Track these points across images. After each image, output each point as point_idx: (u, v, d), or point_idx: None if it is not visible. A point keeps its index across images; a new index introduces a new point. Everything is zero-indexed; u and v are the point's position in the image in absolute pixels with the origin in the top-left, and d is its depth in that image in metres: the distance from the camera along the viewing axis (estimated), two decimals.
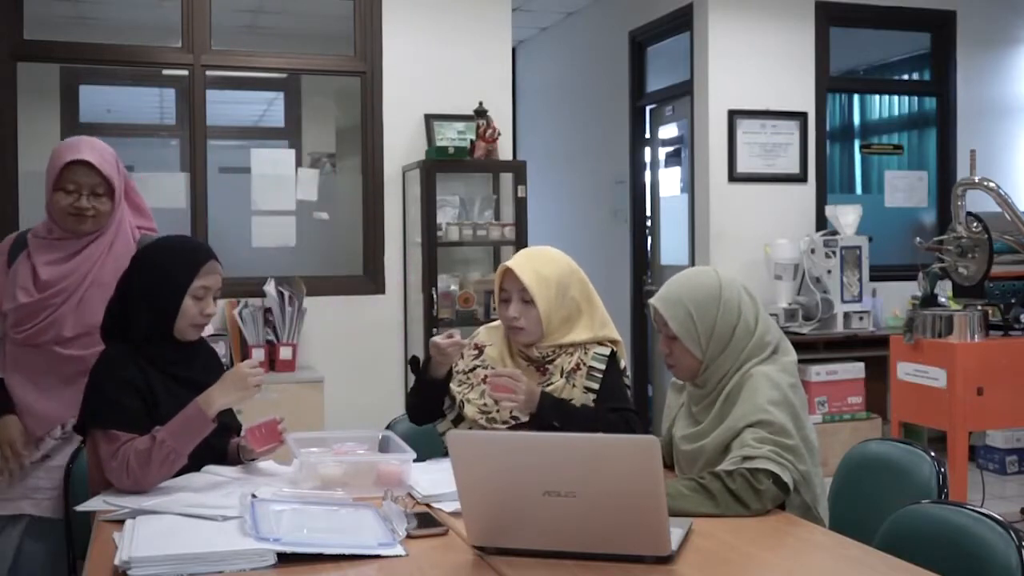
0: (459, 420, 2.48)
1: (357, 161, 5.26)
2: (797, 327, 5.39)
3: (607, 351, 2.46)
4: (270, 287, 4.68)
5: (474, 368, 2.53)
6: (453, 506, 1.97)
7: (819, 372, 5.31)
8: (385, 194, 5.12)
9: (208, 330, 2.46)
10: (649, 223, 6.63)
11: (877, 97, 6.75)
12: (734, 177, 5.70)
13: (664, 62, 6.42)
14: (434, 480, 2.17)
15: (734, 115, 5.68)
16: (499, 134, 5.02)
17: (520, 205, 4.96)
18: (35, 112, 5.26)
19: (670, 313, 2.25)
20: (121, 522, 1.91)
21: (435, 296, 4.78)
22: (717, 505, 1.98)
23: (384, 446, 2.37)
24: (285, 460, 2.38)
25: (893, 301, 5.78)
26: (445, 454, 2.10)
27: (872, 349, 5.39)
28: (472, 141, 4.98)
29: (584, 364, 2.43)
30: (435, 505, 2.06)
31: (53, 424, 2.56)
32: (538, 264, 2.44)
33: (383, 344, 5.08)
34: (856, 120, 6.78)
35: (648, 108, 6.58)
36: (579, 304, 2.47)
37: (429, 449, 2.46)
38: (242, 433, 2.35)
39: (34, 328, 2.53)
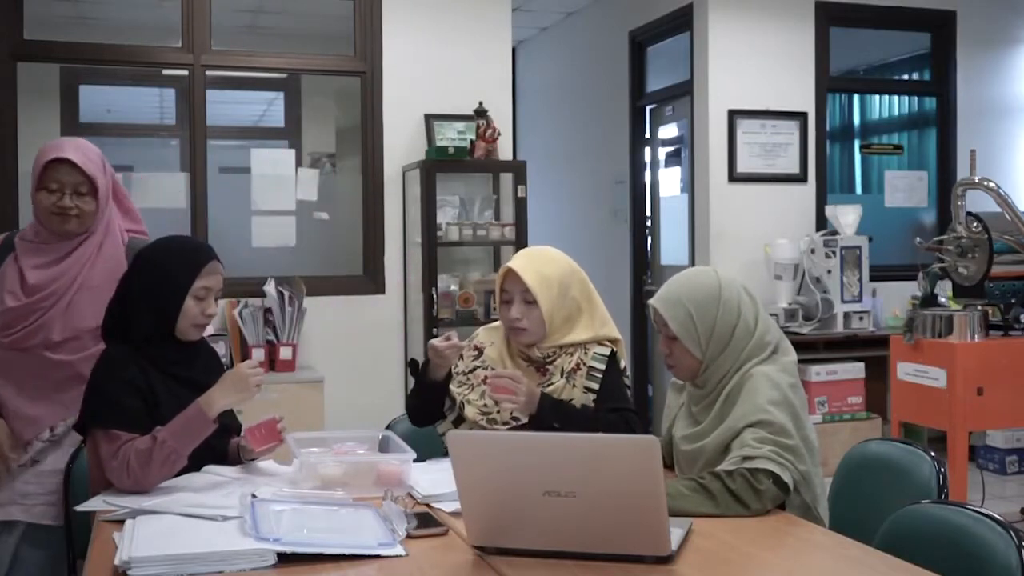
0: (459, 421, 2.48)
1: (357, 161, 5.26)
2: (797, 327, 5.39)
3: (607, 351, 2.46)
4: (270, 287, 4.68)
5: (474, 369, 2.53)
6: (453, 506, 1.97)
7: (819, 372, 5.31)
8: (385, 194, 5.12)
9: (208, 330, 2.45)
10: (649, 223, 6.63)
11: (877, 97, 6.75)
12: (734, 177, 5.70)
13: (664, 62, 6.42)
14: (434, 480, 2.17)
15: (734, 115, 5.68)
16: (499, 134, 5.02)
17: (520, 205, 4.96)
18: (35, 112, 5.26)
19: (670, 313, 2.25)
20: (121, 522, 1.91)
21: (435, 296, 4.78)
22: (717, 505, 1.98)
23: (384, 446, 2.37)
24: (285, 460, 2.38)
25: (893, 301, 5.78)
26: (445, 454, 2.10)
27: (872, 349, 5.39)
28: (472, 141, 4.98)
29: (584, 364, 2.44)
30: (435, 505, 2.06)
31: (41, 427, 2.54)
32: (540, 264, 2.44)
33: (383, 344, 5.08)
34: (856, 120, 6.78)
35: (648, 108, 6.58)
36: (579, 304, 2.47)
37: (429, 449, 2.46)
38: (242, 433, 2.36)
39: (22, 332, 2.50)
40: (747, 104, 5.71)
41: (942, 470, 2.15)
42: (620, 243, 6.70)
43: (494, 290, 2.60)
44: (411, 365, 2.58)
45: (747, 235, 5.66)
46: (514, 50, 6.18)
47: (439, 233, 4.86)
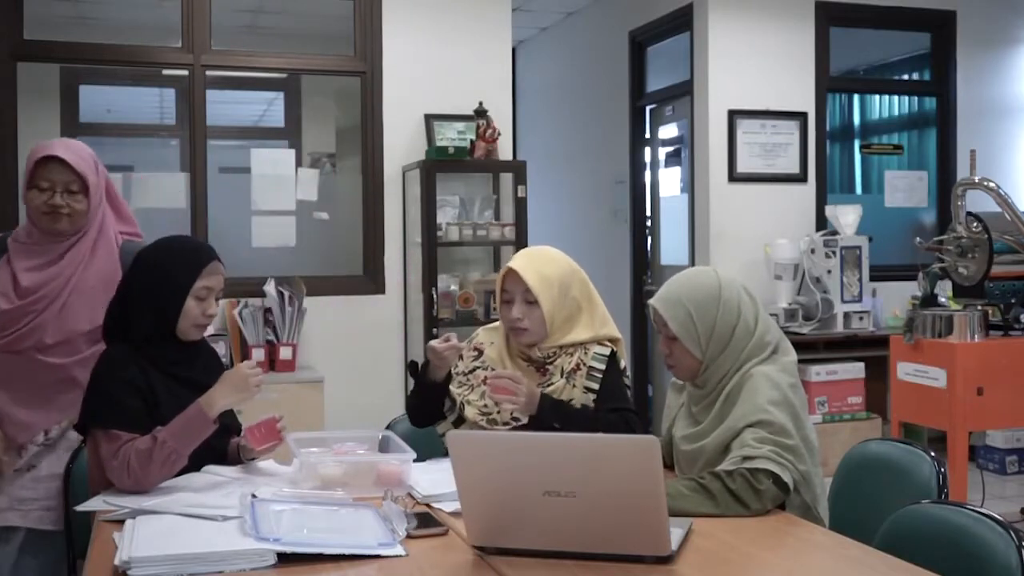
0: (460, 422, 2.48)
1: (357, 161, 5.26)
2: (797, 327, 5.39)
3: (607, 351, 2.46)
4: (270, 287, 4.68)
5: (474, 370, 2.53)
6: (453, 506, 1.97)
7: (819, 372, 5.31)
8: (385, 194, 5.12)
9: (208, 330, 2.45)
10: (649, 223, 6.63)
11: (877, 97, 6.75)
12: (734, 177, 5.70)
13: (664, 62, 6.42)
14: (434, 480, 2.17)
15: (734, 115, 5.68)
16: (499, 134, 5.02)
17: (520, 205, 4.96)
18: (35, 112, 5.26)
19: (670, 313, 2.25)
20: (121, 522, 1.91)
21: (435, 296, 4.78)
22: (717, 505, 1.98)
23: (384, 446, 2.37)
24: (285, 460, 2.38)
25: (893, 301, 5.78)
26: (445, 454, 2.10)
27: (872, 349, 5.39)
28: (472, 141, 4.98)
29: (584, 364, 2.44)
30: (435, 505, 2.06)
31: (34, 431, 2.52)
32: (540, 264, 2.44)
33: (383, 344, 5.08)
34: (856, 120, 6.78)
35: (648, 108, 6.58)
36: (580, 303, 2.47)
37: (429, 449, 2.47)
38: (242, 433, 2.36)
39: (14, 335, 2.48)
40: (747, 104, 5.71)
41: (942, 470, 2.15)
42: (620, 243, 6.70)
43: (494, 290, 2.60)
44: (411, 367, 2.58)
45: (747, 235, 5.66)
46: (514, 50, 6.18)
47: (439, 233, 4.86)
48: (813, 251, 5.49)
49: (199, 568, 1.66)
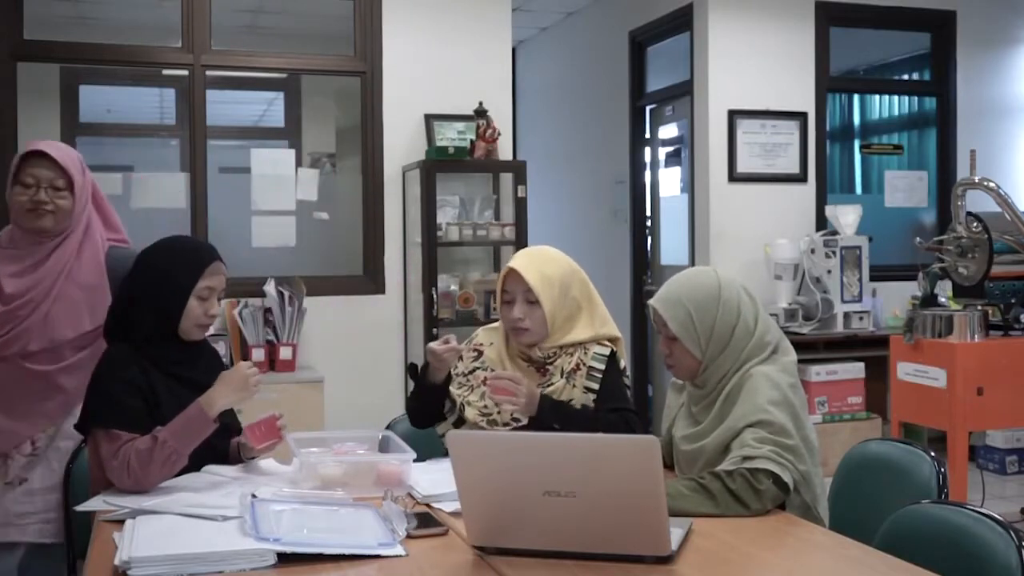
0: (460, 423, 2.48)
1: (357, 161, 5.26)
2: (797, 327, 5.39)
3: (607, 351, 2.46)
4: (270, 287, 4.68)
5: (473, 370, 2.53)
6: (453, 506, 1.97)
7: (819, 372, 5.31)
8: (385, 194, 5.12)
9: (208, 330, 2.45)
10: (649, 223, 6.63)
11: (877, 97, 6.75)
12: (734, 177, 5.70)
13: (664, 62, 6.42)
14: (434, 480, 2.17)
15: (734, 115, 5.68)
16: (499, 134, 5.02)
17: (520, 205, 4.96)
18: (35, 112, 5.26)
19: (670, 314, 2.25)
20: (121, 522, 1.91)
21: (435, 296, 4.78)
22: (717, 505, 1.98)
23: (384, 446, 2.37)
24: (285, 460, 2.38)
25: (893, 301, 5.78)
26: (445, 454, 2.10)
27: (872, 349, 5.39)
28: (472, 141, 4.98)
29: (584, 364, 2.44)
30: (435, 505, 2.06)
31: (18, 439, 2.49)
32: (541, 264, 2.44)
33: (383, 344, 5.08)
34: (856, 120, 6.78)
35: (648, 108, 6.58)
36: (580, 303, 2.48)
37: (429, 449, 2.47)
38: (242, 432, 2.36)
39: None
40: (747, 104, 5.71)
41: (942, 470, 2.15)
42: (620, 243, 6.70)
43: (494, 290, 2.59)
44: (410, 369, 2.58)
45: (747, 235, 5.66)
46: (514, 50, 6.18)
47: (439, 233, 4.86)
48: (813, 251, 5.49)
49: (199, 568, 1.66)
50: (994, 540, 1.70)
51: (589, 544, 1.70)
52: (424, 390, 2.50)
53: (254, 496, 1.99)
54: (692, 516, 1.92)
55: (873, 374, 5.39)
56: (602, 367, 2.43)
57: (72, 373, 2.49)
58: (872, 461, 2.33)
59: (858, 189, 6.58)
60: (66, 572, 2.44)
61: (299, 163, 5.21)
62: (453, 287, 4.92)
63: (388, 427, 2.68)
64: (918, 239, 4.57)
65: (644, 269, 6.58)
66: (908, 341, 4.23)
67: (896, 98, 6.72)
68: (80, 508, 2.12)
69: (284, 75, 6.02)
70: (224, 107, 6.41)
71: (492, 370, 2.47)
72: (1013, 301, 4.35)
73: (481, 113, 5.03)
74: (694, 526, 1.86)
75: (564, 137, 7.78)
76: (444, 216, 4.95)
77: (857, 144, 6.62)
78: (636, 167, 6.59)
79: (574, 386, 2.42)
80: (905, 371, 4.28)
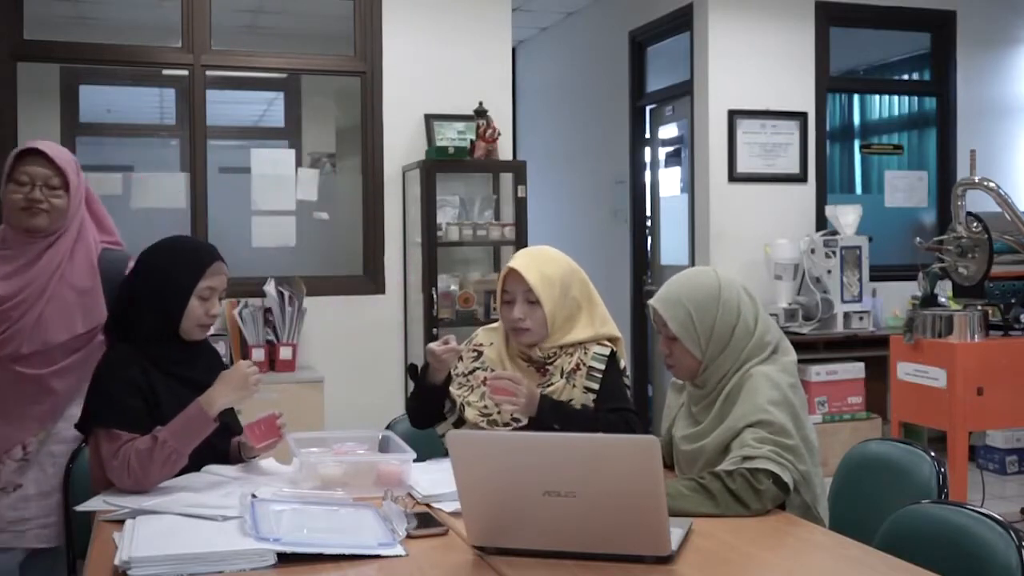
0: (460, 423, 2.48)
1: (357, 161, 5.26)
2: (797, 327, 5.39)
3: (607, 351, 2.46)
4: (270, 287, 4.68)
5: (473, 370, 2.53)
6: (453, 506, 1.97)
7: (819, 372, 5.31)
8: (385, 194, 5.12)
9: (209, 330, 2.44)
10: (649, 223, 6.63)
11: (877, 97, 6.75)
12: (734, 177, 5.70)
13: (664, 62, 6.42)
14: (434, 480, 2.17)
15: (734, 115, 5.68)
16: (499, 134, 5.02)
17: (520, 205, 4.96)
18: (35, 112, 5.26)
19: (669, 314, 2.25)
20: (121, 522, 1.91)
21: (435, 296, 4.78)
22: (717, 505, 1.98)
23: (384, 446, 2.37)
24: (285, 460, 2.38)
25: (893, 301, 5.78)
26: (445, 454, 2.10)
27: (872, 349, 5.39)
28: (472, 141, 4.98)
29: (584, 364, 2.44)
30: (435, 505, 2.06)
31: (11, 444, 2.47)
32: (541, 264, 2.44)
33: (383, 344, 5.08)
34: (856, 120, 6.78)
35: (648, 108, 6.58)
36: (580, 303, 2.48)
37: (429, 449, 2.47)
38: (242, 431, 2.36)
39: None
40: (747, 104, 5.71)
41: (942, 470, 2.15)
42: (620, 243, 6.70)
43: (494, 290, 2.59)
44: (410, 370, 2.57)
45: (747, 235, 5.66)
46: (514, 50, 6.18)
47: (439, 233, 4.86)
48: (813, 251, 5.49)
49: (199, 568, 1.66)
50: (994, 540, 1.70)
51: (589, 544, 1.70)
52: (424, 390, 2.50)
53: (254, 496, 1.99)
54: (692, 516, 1.92)
55: (873, 374, 5.39)
56: (602, 367, 2.43)
57: (64, 377, 2.47)
58: (872, 461, 2.33)
59: (858, 189, 6.58)
60: (66, 572, 2.44)
61: (299, 163, 5.21)
62: (453, 287, 4.92)
63: (388, 427, 2.68)
64: (918, 239, 4.57)
65: (644, 269, 6.58)
66: (908, 341, 4.23)
67: (896, 98, 6.72)
68: (80, 508, 2.12)
69: (284, 75, 6.02)
70: (224, 107, 6.41)
71: (492, 370, 2.47)
72: (1013, 301, 4.35)
73: (481, 113, 5.03)
74: (694, 526, 1.86)
75: (564, 137, 7.78)
76: (444, 216, 4.95)
77: (857, 144, 6.62)
78: (636, 167, 6.59)
79: (574, 386, 2.42)
80: (905, 371, 4.28)
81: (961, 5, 6.19)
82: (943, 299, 4.56)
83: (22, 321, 2.42)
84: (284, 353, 4.66)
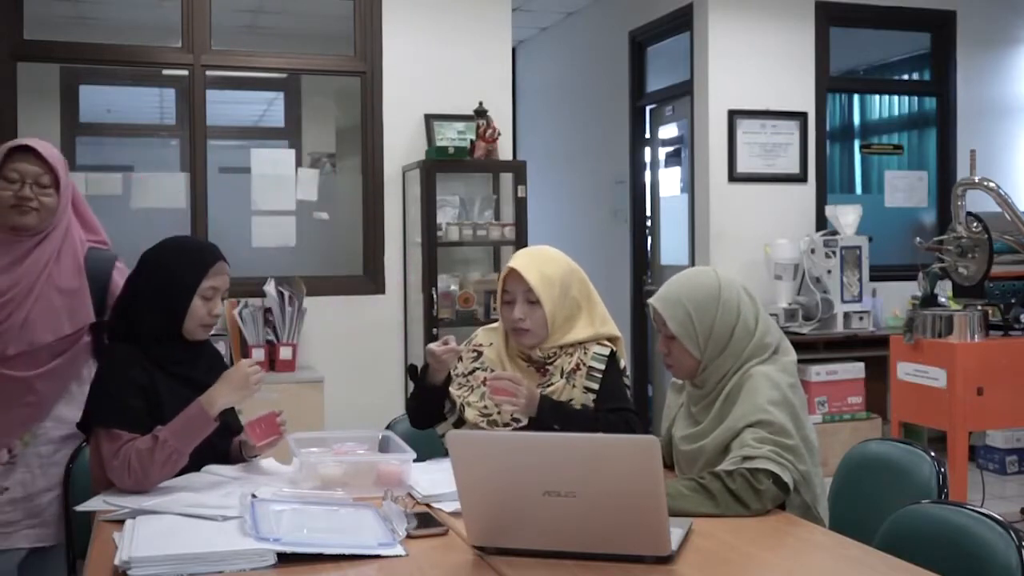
0: (460, 423, 2.47)
1: (357, 161, 5.26)
2: (797, 327, 5.39)
3: (606, 351, 2.46)
4: (270, 287, 4.68)
5: (473, 371, 2.53)
6: (453, 506, 1.97)
7: (819, 372, 5.31)
8: (385, 194, 5.12)
9: (211, 330, 2.43)
10: (649, 223, 6.63)
11: (877, 97, 6.75)
12: (734, 177, 5.70)
13: (664, 62, 6.42)
14: (434, 480, 2.17)
15: (734, 115, 5.68)
16: (499, 134, 5.02)
17: (520, 205, 4.96)
18: (35, 112, 5.26)
19: (669, 313, 2.25)
20: (121, 522, 1.91)
21: (435, 296, 4.78)
22: (717, 505, 1.98)
23: (384, 446, 2.37)
24: (286, 460, 2.38)
25: (893, 301, 5.78)
26: (445, 454, 2.10)
27: (872, 349, 5.40)
28: (472, 141, 4.98)
29: (584, 364, 2.43)
30: (435, 505, 2.06)
31: None
32: (541, 264, 2.44)
33: (383, 344, 5.08)
34: (856, 120, 6.78)
35: (648, 108, 6.58)
36: (579, 302, 2.48)
37: (429, 449, 2.47)
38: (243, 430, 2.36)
39: None
40: (747, 104, 5.71)
41: (942, 470, 2.15)
42: (620, 243, 6.70)
43: (494, 290, 2.59)
44: (410, 370, 2.57)
45: (747, 235, 5.66)
46: (514, 50, 6.18)
47: (439, 233, 4.86)
48: (813, 251, 5.50)
49: (199, 568, 1.66)
50: (994, 540, 1.70)
51: (589, 544, 1.70)
52: (424, 391, 2.50)
53: (254, 496, 1.99)
54: (692, 516, 1.92)
55: (873, 374, 5.39)
56: (602, 367, 2.43)
57: (48, 379, 2.45)
58: (872, 461, 2.33)
59: (858, 189, 6.59)
60: (66, 572, 2.44)
61: (299, 163, 5.21)
62: (453, 287, 4.92)
63: (388, 427, 2.68)
64: (918, 239, 4.57)
65: (644, 269, 6.58)
66: (908, 341, 4.23)
67: (896, 98, 6.72)
68: (80, 508, 2.12)
69: (284, 75, 6.02)
70: (224, 107, 6.41)
71: (492, 370, 2.47)
72: (1013, 301, 4.35)
73: (481, 113, 5.03)
74: (694, 526, 1.86)
75: (564, 137, 7.78)
76: (444, 216, 4.95)
77: (857, 144, 6.62)
78: (636, 167, 6.59)
79: (574, 386, 2.42)
80: (905, 371, 4.28)
81: (961, 5, 6.19)
82: (943, 299, 4.56)
83: (9, 321, 2.40)
84: (284, 353, 4.66)
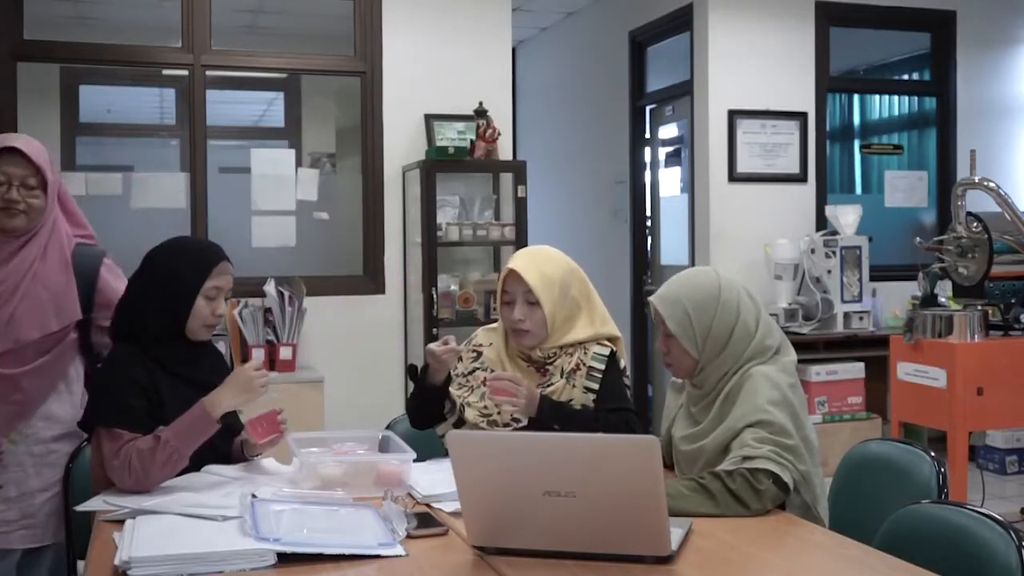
0: (460, 423, 2.47)
1: (357, 161, 5.26)
2: (797, 327, 5.39)
3: (606, 351, 2.46)
4: (270, 287, 4.68)
5: (473, 371, 2.53)
6: (453, 506, 1.97)
7: (819, 372, 5.31)
8: (385, 194, 5.12)
9: (214, 330, 2.42)
10: (649, 223, 6.63)
11: (877, 97, 6.75)
12: (734, 177, 5.70)
13: (664, 62, 6.42)
14: (434, 480, 2.17)
15: (734, 115, 5.68)
16: (499, 134, 5.02)
17: (520, 205, 4.96)
18: (35, 112, 5.26)
19: (668, 312, 2.25)
20: (121, 522, 1.91)
21: (435, 296, 4.78)
22: (717, 505, 1.98)
23: (384, 446, 2.37)
24: (286, 460, 2.38)
25: (893, 301, 5.78)
26: (445, 454, 2.10)
27: (872, 349, 5.40)
28: (472, 141, 4.98)
29: (584, 364, 2.43)
30: (435, 505, 2.06)
31: None
32: (541, 264, 2.44)
33: (383, 344, 5.08)
34: (856, 120, 6.78)
35: (648, 108, 6.58)
36: (579, 302, 2.48)
37: (429, 449, 2.47)
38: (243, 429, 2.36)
39: None
40: (747, 104, 5.71)
41: (942, 470, 2.15)
42: (620, 243, 6.70)
43: (494, 290, 2.59)
44: (410, 370, 2.57)
45: (747, 235, 5.66)
46: (514, 50, 6.18)
47: (439, 233, 4.86)
48: (813, 251, 5.50)
49: (199, 568, 1.66)
50: (994, 540, 1.70)
51: (589, 544, 1.70)
52: (424, 391, 2.50)
53: (254, 496, 1.99)
54: (692, 516, 1.92)
55: (873, 374, 5.39)
56: (602, 367, 2.43)
57: (35, 376, 2.43)
58: (872, 461, 2.33)
59: (858, 189, 6.59)
60: (66, 572, 2.43)
61: (299, 163, 5.21)
62: (453, 287, 4.92)
63: (388, 427, 2.68)
64: (918, 239, 4.57)
65: (644, 269, 6.58)
66: (908, 341, 4.23)
67: (896, 98, 6.72)
68: (80, 508, 2.12)
69: (284, 75, 6.02)
70: (224, 107, 6.41)
71: (492, 371, 2.47)
72: (1013, 301, 4.35)
73: (481, 113, 5.03)
74: (694, 526, 1.86)
75: (564, 137, 7.78)
76: (444, 216, 4.95)
77: (857, 144, 6.62)
78: (636, 167, 6.59)
79: (574, 386, 2.42)
80: (905, 371, 4.28)
81: (961, 5, 6.19)
82: (943, 299, 4.56)
83: None
84: (284, 353, 4.66)
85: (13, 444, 2.44)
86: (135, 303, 2.28)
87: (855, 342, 5.47)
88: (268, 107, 7.29)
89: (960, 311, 4.16)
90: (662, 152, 6.59)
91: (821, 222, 5.82)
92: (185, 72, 4.95)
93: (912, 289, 5.27)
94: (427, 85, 5.15)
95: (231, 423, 2.32)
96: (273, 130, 7.36)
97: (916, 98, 6.60)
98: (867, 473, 2.32)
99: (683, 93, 6.01)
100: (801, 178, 5.84)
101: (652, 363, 6.49)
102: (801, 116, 5.83)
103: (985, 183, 4.13)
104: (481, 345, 2.57)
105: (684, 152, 6.26)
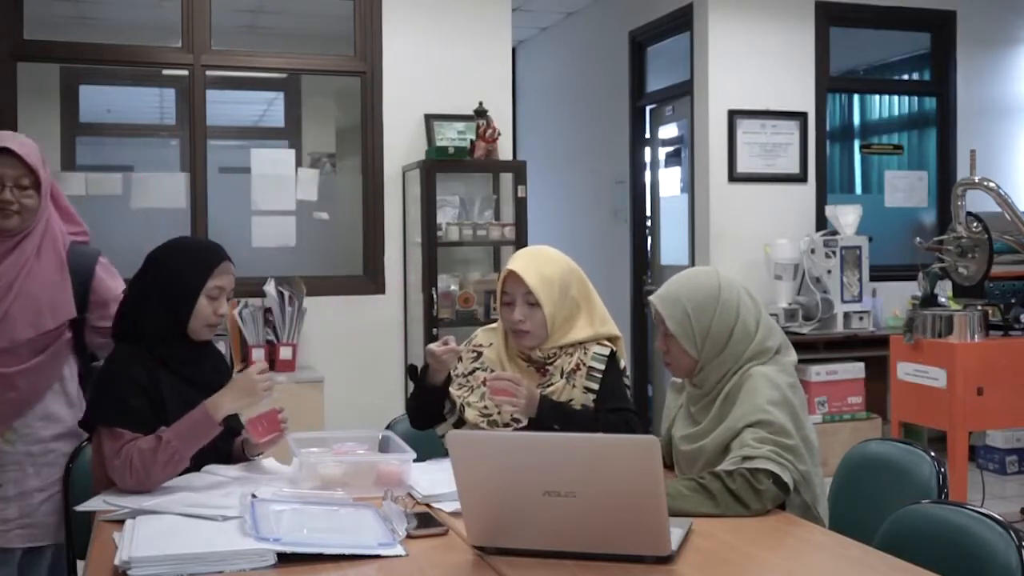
0: (460, 424, 2.47)
1: (357, 161, 5.26)
2: (797, 327, 5.39)
3: (606, 351, 2.45)
4: (270, 287, 4.68)
5: (473, 371, 2.53)
6: (453, 506, 1.97)
7: (819, 372, 5.31)
8: (385, 194, 5.12)
9: (215, 330, 2.42)
10: (649, 223, 6.63)
11: (877, 97, 6.75)
12: (734, 177, 5.70)
13: (664, 62, 6.42)
14: (434, 480, 2.17)
15: (734, 115, 5.69)
16: (499, 134, 5.02)
17: (520, 205, 4.96)
18: (35, 112, 5.26)
19: (667, 311, 2.25)
20: (121, 522, 1.91)
21: (435, 296, 4.78)
22: (717, 505, 1.98)
23: (384, 446, 2.37)
24: (286, 460, 2.38)
25: (893, 301, 5.78)
26: (445, 454, 2.10)
27: (872, 349, 5.40)
28: (472, 141, 4.98)
29: (584, 364, 2.43)
30: (435, 505, 2.06)
31: None
32: (540, 265, 2.44)
33: (383, 344, 5.08)
34: (856, 120, 6.78)
35: (648, 108, 6.58)
36: (579, 303, 2.48)
37: (429, 449, 2.46)
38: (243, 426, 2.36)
39: None
40: (747, 104, 5.71)
41: (942, 470, 2.15)
42: (620, 243, 6.70)
43: (494, 290, 2.59)
44: (410, 370, 2.57)
45: (747, 235, 5.66)
46: (514, 50, 6.18)
47: (439, 233, 4.86)
48: (813, 251, 5.50)
49: (199, 568, 1.66)
50: (994, 540, 1.70)
51: (589, 544, 1.70)
52: (424, 391, 2.50)
53: (254, 496, 1.99)
54: (692, 516, 1.92)
55: (873, 374, 5.39)
56: (602, 367, 2.43)
57: (30, 376, 2.42)
58: (872, 461, 2.33)
59: (858, 189, 6.59)
60: (66, 572, 2.43)
61: (299, 163, 5.22)
62: (453, 287, 4.92)
63: (388, 427, 2.67)
64: (918, 239, 4.57)
65: (644, 269, 6.58)
66: (908, 341, 4.23)
67: (896, 98, 6.72)
68: (80, 508, 2.12)
69: (284, 75, 6.02)
70: (224, 107, 6.41)
71: (492, 371, 2.47)
72: (1013, 301, 4.35)
73: (481, 113, 5.03)
74: (694, 526, 1.86)
75: (564, 137, 7.78)
76: (444, 216, 4.95)
77: (857, 144, 6.63)
78: (636, 167, 6.59)
79: (574, 386, 2.42)
80: (905, 371, 4.28)
81: (961, 5, 6.19)
82: (943, 299, 4.56)
83: None
84: (284, 353, 4.66)
85: (10, 444, 2.44)
86: (137, 303, 2.28)
87: (855, 342, 5.47)
88: (268, 107, 7.29)
89: (960, 311, 4.16)
90: (662, 152, 6.59)
91: (821, 222, 5.82)
92: (185, 72, 4.95)
93: (912, 289, 5.27)
94: (427, 85, 5.15)
95: (232, 424, 2.31)
96: (273, 130, 7.37)
97: (916, 98, 6.60)
98: (867, 473, 2.32)
99: (683, 93, 6.01)
100: (801, 178, 5.84)
101: (652, 363, 6.49)
102: (801, 116, 5.83)
103: (985, 183, 4.13)
104: (481, 345, 2.57)
105: (684, 152, 6.26)
